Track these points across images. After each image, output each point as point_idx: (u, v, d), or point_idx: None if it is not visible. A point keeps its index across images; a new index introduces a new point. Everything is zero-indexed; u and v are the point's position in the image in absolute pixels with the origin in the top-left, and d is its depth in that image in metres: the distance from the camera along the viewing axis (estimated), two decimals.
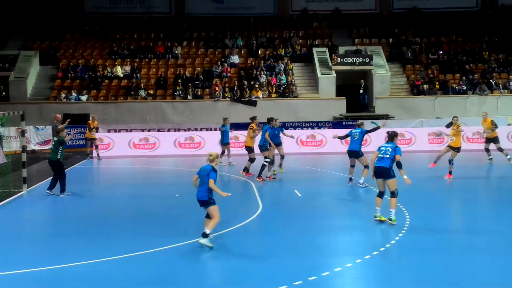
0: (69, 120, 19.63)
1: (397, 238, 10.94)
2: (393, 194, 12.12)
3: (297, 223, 12.48)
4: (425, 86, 32.28)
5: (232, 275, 9.00)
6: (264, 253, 10.18)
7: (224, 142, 22.31)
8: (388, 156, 12.06)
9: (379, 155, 12.23)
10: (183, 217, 13.34)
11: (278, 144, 18.89)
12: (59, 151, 15.73)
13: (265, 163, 17.96)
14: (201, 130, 28.40)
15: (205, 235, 10.35)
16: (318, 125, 29.10)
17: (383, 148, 12.29)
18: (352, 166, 16.99)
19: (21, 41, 35.05)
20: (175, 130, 28.51)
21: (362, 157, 16.57)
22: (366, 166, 16.24)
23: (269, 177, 18.17)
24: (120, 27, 36.54)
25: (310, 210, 13.94)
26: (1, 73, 31.57)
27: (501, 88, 31.96)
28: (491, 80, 32.29)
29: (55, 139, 16.18)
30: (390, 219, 12.05)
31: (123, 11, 38.12)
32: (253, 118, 19.95)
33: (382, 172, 12.13)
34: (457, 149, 18.30)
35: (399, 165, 11.99)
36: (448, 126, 19.24)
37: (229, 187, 17.69)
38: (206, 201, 10.49)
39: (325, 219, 13.08)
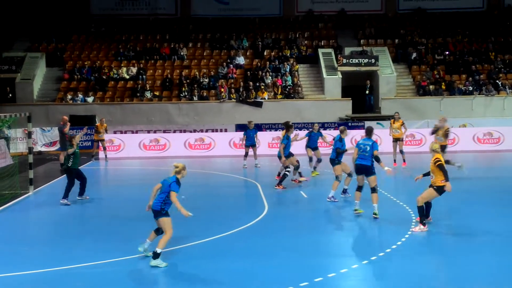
0: (86, 128, 19.08)
1: (403, 239, 10.90)
2: (373, 190, 12.61)
3: (303, 224, 12.47)
4: (431, 86, 32.19)
5: (237, 276, 8.99)
6: (270, 254, 10.16)
7: (248, 144, 21.70)
8: (367, 154, 12.54)
9: (360, 153, 12.65)
10: (189, 218, 13.33)
11: (315, 148, 19.26)
12: (70, 159, 15.16)
13: (287, 172, 16.84)
14: (207, 131, 28.42)
15: (156, 255, 9.25)
16: (323, 126, 29.05)
17: (362, 145, 12.72)
18: (350, 175, 14.98)
19: (28, 43, 35.21)
20: (181, 131, 28.53)
21: (373, 176, 12.97)
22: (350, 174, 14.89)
23: (294, 180, 17.54)
24: (126, 29, 36.64)
25: (316, 211, 13.92)
26: (8, 75, 31.71)
27: (507, 88, 31.82)
28: (497, 81, 32.18)
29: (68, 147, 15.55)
30: (375, 213, 12.47)
31: (129, 13, 38.22)
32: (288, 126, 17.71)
33: (364, 169, 12.69)
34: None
35: (378, 160, 12.51)
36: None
37: (235, 187, 17.71)
38: (158, 211, 9.51)
39: (331, 220, 13.07)
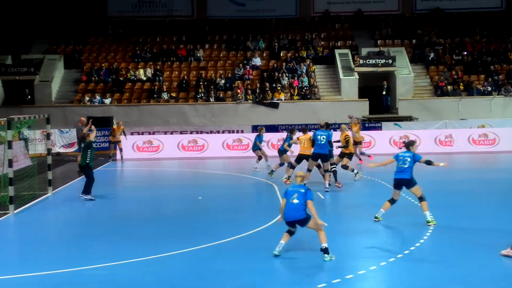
0: (91, 120, 19.54)
1: (421, 241, 10.82)
2: (421, 199, 12.17)
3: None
4: (449, 87, 31.93)
5: (255, 276, 8.97)
6: (285, 255, 10.12)
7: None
8: (407, 166, 12.04)
9: (399, 165, 12.15)
10: (206, 219, 13.37)
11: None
12: (88, 155, 15.74)
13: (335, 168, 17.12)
14: (223, 132, 28.43)
15: (326, 251, 9.69)
16: (340, 127, 28.87)
17: (401, 157, 12.18)
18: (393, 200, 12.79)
19: (46, 45, 35.55)
20: (219, 132, 28.64)
21: (415, 187, 12.32)
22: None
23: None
24: (142, 31, 36.84)
25: (333, 213, 13.86)
26: (27, 77, 32.01)
27: None
28: None
29: (82, 145, 16.31)
30: (428, 221, 11.99)
31: (145, 15, 38.41)
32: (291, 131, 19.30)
33: (403, 183, 12.19)
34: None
35: (430, 163, 12.03)
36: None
37: (252, 188, 17.70)
38: (305, 218, 9.77)
39: (348, 221, 13.00)
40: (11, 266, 9.87)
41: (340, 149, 18.27)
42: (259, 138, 21.50)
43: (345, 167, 18.13)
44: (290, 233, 10.02)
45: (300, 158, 17.25)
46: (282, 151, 18.95)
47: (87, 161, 15.77)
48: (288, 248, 10.62)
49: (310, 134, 17.38)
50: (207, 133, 28.38)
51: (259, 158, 21.41)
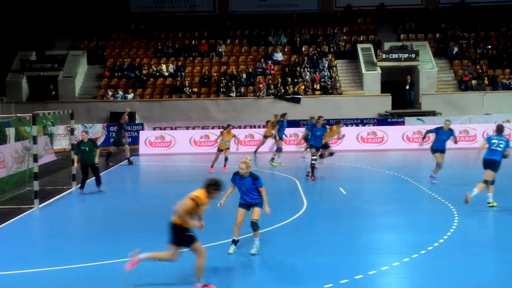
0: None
1: (445, 237, 10.70)
2: (489, 182, 12.84)
3: (343, 221, 12.36)
4: (473, 81, 31.51)
5: (276, 272, 8.97)
6: (309, 250, 10.11)
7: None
8: (500, 149, 12.79)
9: (492, 148, 12.84)
10: (227, 213, 13.40)
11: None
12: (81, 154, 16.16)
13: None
14: (245, 127, 28.45)
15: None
16: (362, 122, 28.79)
17: (496, 140, 12.92)
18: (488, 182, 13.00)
19: (69, 41, 35.90)
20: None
21: (494, 172, 12.94)
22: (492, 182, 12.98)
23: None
24: (164, 26, 37.00)
25: (356, 208, 13.78)
26: (51, 73, 32.39)
27: None
28: None
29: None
30: (489, 203, 12.75)
31: (167, 11, 38.56)
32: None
33: (492, 164, 12.83)
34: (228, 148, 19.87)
35: (506, 156, 12.84)
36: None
37: (273, 183, 17.67)
38: None
39: (371, 217, 12.91)
40: (36, 260, 10.00)
41: None
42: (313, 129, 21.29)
43: None
44: None
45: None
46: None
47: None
48: (309, 243, 10.60)
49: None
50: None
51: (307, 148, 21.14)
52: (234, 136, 19.37)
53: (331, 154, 19.09)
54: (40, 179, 14.97)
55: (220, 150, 19.35)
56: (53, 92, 32.03)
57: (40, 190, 14.61)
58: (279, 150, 21.40)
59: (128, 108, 23.66)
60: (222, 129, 19.84)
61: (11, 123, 22.81)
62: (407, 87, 31.59)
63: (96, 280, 8.81)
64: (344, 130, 26.18)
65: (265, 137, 22.73)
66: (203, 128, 28.51)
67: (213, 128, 28.62)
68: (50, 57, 33.59)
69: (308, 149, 20.27)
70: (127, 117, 23.63)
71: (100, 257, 9.84)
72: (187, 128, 28.60)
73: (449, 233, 10.96)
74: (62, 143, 27.63)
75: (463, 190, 14.88)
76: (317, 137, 17.84)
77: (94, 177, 16.26)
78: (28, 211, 13.91)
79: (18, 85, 32.18)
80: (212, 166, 18.95)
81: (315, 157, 17.63)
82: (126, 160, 22.44)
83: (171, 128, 28.72)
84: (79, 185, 16.37)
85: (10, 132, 24.01)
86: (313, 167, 17.56)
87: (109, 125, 29.18)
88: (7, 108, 29.59)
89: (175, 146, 26.13)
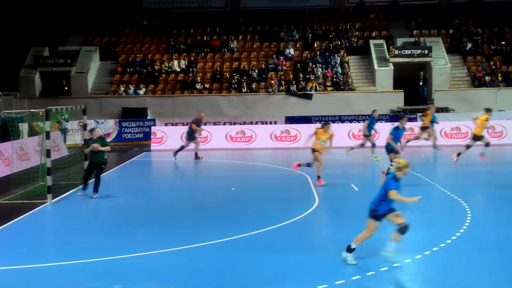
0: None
1: (458, 234, 10.64)
2: None
3: (354, 218, 12.29)
4: (486, 78, 31.26)
5: (288, 268, 8.96)
6: (320, 247, 10.11)
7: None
8: None
9: None
10: (239, 211, 13.42)
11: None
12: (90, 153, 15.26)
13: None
14: (256, 123, 28.46)
15: (349, 249, 9.09)
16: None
17: None
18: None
19: (82, 37, 36.05)
20: (265, 123, 28.75)
21: None
22: None
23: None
24: (176, 22, 37.05)
25: (367, 205, 13.70)
26: (63, 68, 32.57)
27: None
28: None
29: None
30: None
31: (179, 6, 38.60)
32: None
33: None
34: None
35: None
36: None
37: (284, 180, 17.67)
38: (371, 209, 9.27)
39: None
40: (50, 254, 10.09)
41: None
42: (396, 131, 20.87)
43: None
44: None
45: None
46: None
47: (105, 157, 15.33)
48: (320, 240, 10.59)
49: None
50: (240, 124, 28.41)
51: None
52: (331, 135, 16.19)
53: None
54: (53, 173, 15.04)
55: (315, 151, 16.09)
56: (66, 88, 32.20)
57: (53, 184, 14.70)
58: (373, 145, 20.97)
59: (203, 114, 23.48)
60: (317, 128, 16.39)
61: (24, 118, 23.00)
62: (421, 83, 31.40)
63: (109, 275, 8.85)
64: (355, 126, 26.36)
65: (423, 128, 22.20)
66: (214, 123, 28.49)
67: (224, 124, 28.67)
68: (63, 53, 33.79)
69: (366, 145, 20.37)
70: (203, 114, 23.45)
71: (115, 252, 9.89)
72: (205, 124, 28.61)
73: (461, 230, 10.90)
74: (75, 138, 27.77)
75: (476, 187, 14.82)
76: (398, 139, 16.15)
77: (94, 180, 15.21)
78: (41, 206, 14.01)
79: (31, 80, 32.38)
80: (319, 178, 16.14)
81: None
82: (194, 154, 22.37)
83: (183, 124, 28.75)
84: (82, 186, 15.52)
85: (24, 127, 24.21)
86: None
87: (121, 120, 29.32)
88: (20, 103, 29.80)
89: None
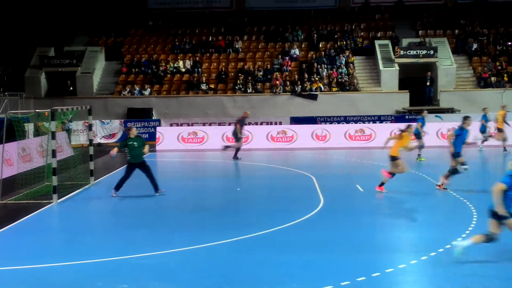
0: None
1: (463, 235, 10.60)
2: None
3: (359, 219, 12.31)
4: (492, 78, 31.16)
5: (293, 269, 8.96)
6: (325, 248, 10.09)
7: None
8: None
9: None
10: (246, 211, 13.42)
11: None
12: (128, 152, 14.93)
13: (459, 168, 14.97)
14: (261, 124, 28.46)
15: (464, 245, 9.12)
16: (380, 119, 28.63)
17: None
18: None
19: (87, 37, 36.14)
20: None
21: None
22: None
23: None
24: (182, 23, 37.09)
25: (373, 206, 13.72)
26: (69, 69, 32.65)
27: None
28: None
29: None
30: None
31: (184, 7, 38.66)
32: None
33: None
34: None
35: None
36: None
37: (289, 181, 17.66)
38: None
39: (388, 214, 12.85)
40: (56, 254, 10.10)
41: None
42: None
43: None
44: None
45: None
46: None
47: (128, 158, 15.16)
48: (326, 241, 10.57)
49: None
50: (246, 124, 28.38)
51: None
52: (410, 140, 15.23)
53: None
54: (58, 174, 15.08)
55: (396, 158, 14.71)
56: (71, 88, 32.27)
57: (58, 185, 14.74)
58: (421, 147, 20.62)
59: (248, 112, 23.40)
60: (401, 131, 15.13)
61: (30, 119, 23.04)
62: (428, 83, 31.30)
63: (116, 274, 8.87)
64: (357, 126, 26.34)
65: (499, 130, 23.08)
66: (219, 124, 28.50)
67: (229, 124, 28.67)
68: (68, 53, 33.87)
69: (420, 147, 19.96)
70: (248, 112, 23.38)
71: (121, 252, 9.91)
72: (204, 124, 28.65)
73: (467, 231, 10.87)
74: (80, 138, 27.86)
75: (482, 189, 14.76)
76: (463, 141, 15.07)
77: (150, 181, 14.96)
78: (47, 206, 14.05)
79: (37, 80, 32.48)
80: (381, 185, 14.99)
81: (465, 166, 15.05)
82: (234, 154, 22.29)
83: (188, 125, 28.82)
84: (115, 187, 15.08)
85: (29, 127, 24.27)
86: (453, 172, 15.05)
87: (126, 121, 29.36)
88: (26, 103, 29.87)
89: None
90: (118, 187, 15.11)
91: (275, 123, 28.94)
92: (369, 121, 28.18)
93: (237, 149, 22.31)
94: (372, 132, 25.76)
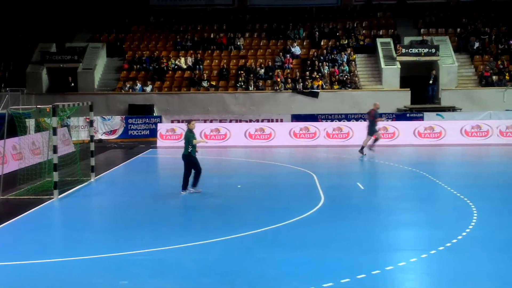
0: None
1: (464, 234, 10.61)
2: None
3: (359, 216, 12.31)
4: (494, 77, 31.15)
5: (293, 266, 8.96)
6: (326, 245, 10.09)
7: None
8: None
9: None
10: (245, 208, 13.43)
11: None
12: (188, 146, 14.45)
13: None
14: (263, 121, 28.46)
15: None
16: (381, 117, 28.54)
17: None
18: None
19: (89, 33, 36.14)
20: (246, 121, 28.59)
21: None
22: None
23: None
24: (183, 19, 37.08)
25: (373, 203, 13.72)
26: (70, 65, 32.65)
27: None
28: None
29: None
30: None
31: (186, 4, 38.63)
32: None
33: None
34: None
35: None
36: None
37: (290, 178, 17.67)
38: None
39: (388, 212, 12.84)
40: (57, 250, 10.10)
41: None
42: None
43: None
44: None
45: None
46: None
47: (189, 151, 14.45)
48: (326, 238, 10.59)
49: None
50: (246, 121, 28.40)
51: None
52: None
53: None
54: (59, 170, 15.09)
55: None
56: (72, 84, 32.29)
57: (59, 181, 14.75)
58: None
59: (378, 103, 22.84)
60: None
61: (31, 115, 23.02)
62: (431, 81, 31.25)
63: (116, 271, 8.88)
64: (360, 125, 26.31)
65: None
66: (220, 120, 28.50)
67: (230, 121, 28.68)
68: (70, 49, 33.84)
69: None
70: (378, 103, 22.69)
71: (121, 248, 9.91)
72: (205, 121, 28.64)
73: (467, 230, 10.87)
74: (81, 134, 27.85)
75: (482, 186, 14.77)
76: None
77: (195, 175, 14.62)
78: (48, 202, 14.06)
79: (38, 76, 32.49)
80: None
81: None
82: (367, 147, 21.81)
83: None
84: (183, 186, 14.67)
85: (30, 123, 24.25)
86: None
87: (127, 117, 29.38)
88: (27, 99, 29.89)
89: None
90: (185, 186, 14.69)
91: (276, 121, 28.95)
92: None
93: (375, 140, 21.71)
94: None
